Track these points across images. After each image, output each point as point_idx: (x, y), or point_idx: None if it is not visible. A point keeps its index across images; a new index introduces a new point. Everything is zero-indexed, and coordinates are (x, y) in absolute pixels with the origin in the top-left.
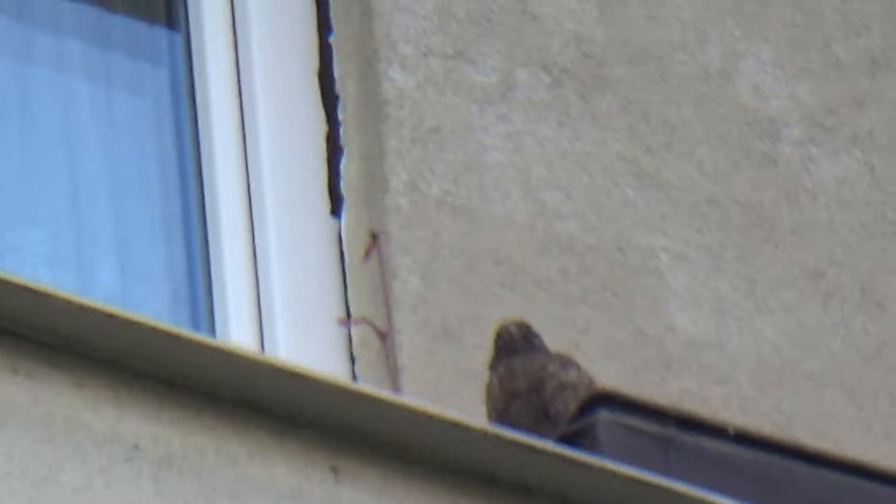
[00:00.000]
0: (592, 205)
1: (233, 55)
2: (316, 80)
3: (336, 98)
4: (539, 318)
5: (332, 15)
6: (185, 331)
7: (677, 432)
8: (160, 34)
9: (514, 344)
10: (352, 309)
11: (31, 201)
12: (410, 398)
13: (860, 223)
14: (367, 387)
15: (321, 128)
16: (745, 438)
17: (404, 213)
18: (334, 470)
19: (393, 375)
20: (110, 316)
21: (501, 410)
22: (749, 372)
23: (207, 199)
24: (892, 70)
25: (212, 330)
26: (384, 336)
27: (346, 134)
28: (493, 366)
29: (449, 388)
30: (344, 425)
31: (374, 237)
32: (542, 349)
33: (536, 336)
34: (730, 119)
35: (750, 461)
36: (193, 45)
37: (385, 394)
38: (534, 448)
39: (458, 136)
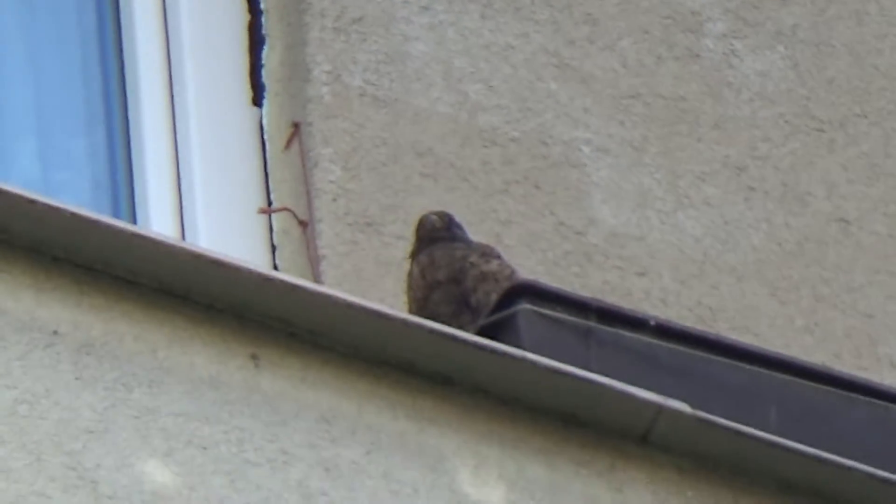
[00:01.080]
0: (515, 97)
1: None
2: None
3: None
4: (461, 210)
5: None
6: (106, 218)
7: (598, 324)
8: None
9: (436, 234)
10: (273, 198)
11: None
12: (330, 287)
13: (783, 118)
14: (287, 275)
15: (243, 17)
16: (665, 331)
17: (326, 103)
18: (254, 357)
19: (313, 264)
20: (30, 202)
21: (422, 300)
22: (671, 265)
23: (129, 87)
24: None
25: (132, 217)
26: (305, 225)
27: (269, 24)
28: (415, 256)
29: (369, 277)
30: (264, 314)
31: (296, 127)
32: (464, 240)
33: (458, 226)
34: (653, 12)
35: (670, 354)
36: None
37: (305, 283)
38: (454, 338)
39: (381, 27)
